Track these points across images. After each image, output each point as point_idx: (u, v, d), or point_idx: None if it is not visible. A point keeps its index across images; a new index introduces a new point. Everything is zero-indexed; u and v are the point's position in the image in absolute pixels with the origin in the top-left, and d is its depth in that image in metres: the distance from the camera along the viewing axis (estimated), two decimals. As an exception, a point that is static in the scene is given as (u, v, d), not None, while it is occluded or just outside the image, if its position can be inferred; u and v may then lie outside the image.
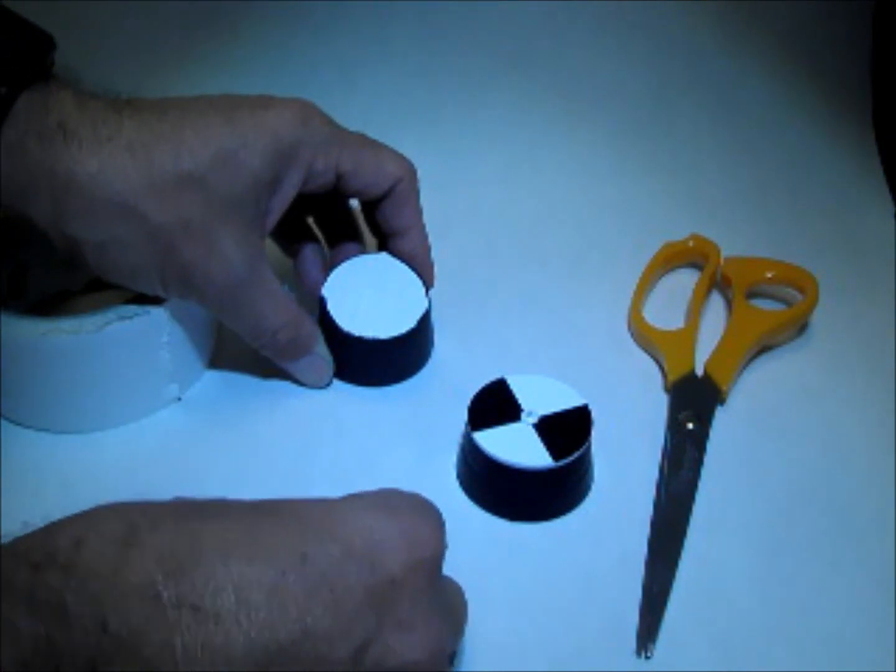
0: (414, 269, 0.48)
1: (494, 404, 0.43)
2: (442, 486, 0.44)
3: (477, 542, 0.42)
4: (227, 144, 0.41)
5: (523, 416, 0.43)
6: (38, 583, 0.27)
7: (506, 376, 0.44)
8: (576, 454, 0.42)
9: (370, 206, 0.49)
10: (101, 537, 0.28)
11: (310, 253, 0.50)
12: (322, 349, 0.47)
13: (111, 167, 0.40)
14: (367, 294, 0.47)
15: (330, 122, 0.45)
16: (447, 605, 0.33)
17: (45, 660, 0.26)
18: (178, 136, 0.41)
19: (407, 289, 0.47)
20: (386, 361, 0.48)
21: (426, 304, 0.47)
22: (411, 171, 0.47)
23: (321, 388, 0.48)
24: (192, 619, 0.26)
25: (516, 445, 0.42)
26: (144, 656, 0.26)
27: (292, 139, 0.43)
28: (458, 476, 0.45)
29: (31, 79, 0.40)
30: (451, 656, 0.35)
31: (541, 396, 0.44)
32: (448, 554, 0.33)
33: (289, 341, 0.46)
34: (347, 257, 0.49)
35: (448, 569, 0.33)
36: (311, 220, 0.51)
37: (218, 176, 0.41)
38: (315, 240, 0.50)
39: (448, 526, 0.33)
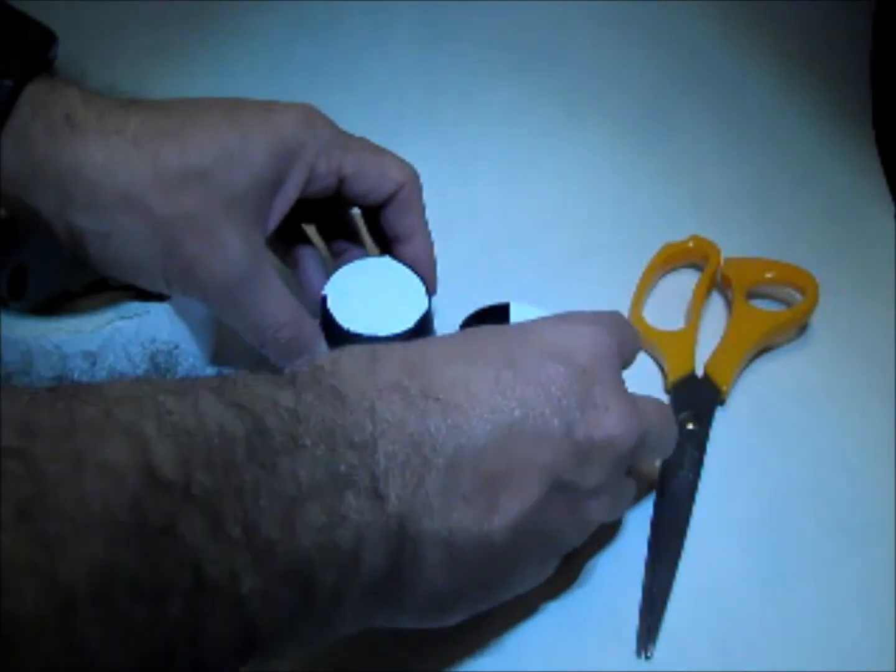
0: (416, 273, 0.48)
1: (489, 321, 0.47)
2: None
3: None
4: (232, 142, 0.42)
5: None
6: (319, 380, 0.32)
7: (511, 302, 0.48)
8: None
9: (373, 214, 0.49)
10: (350, 356, 0.34)
11: (311, 263, 0.50)
12: (324, 350, 0.47)
13: (117, 159, 0.40)
14: (368, 294, 0.47)
15: (333, 126, 0.46)
16: (634, 398, 0.38)
17: (337, 433, 0.31)
18: (184, 133, 0.41)
19: (408, 290, 0.47)
20: None
21: (427, 304, 0.47)
22: (415, 178, 0.47)
23: None
24: (437, 407, 0.33)
25: None
26: (409, 433, 0.32)
27: (295, 140, 0.43)
28: None
29: (36, 71, 0.40)
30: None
31: None
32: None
33: (290, 340, 0.45)
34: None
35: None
36: (313, 229, 0.51)
37: (222, 172, 0.42)
38: (314, 249, 0.50)
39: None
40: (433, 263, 0.49)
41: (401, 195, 0.47)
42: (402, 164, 0.47)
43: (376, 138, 0.48)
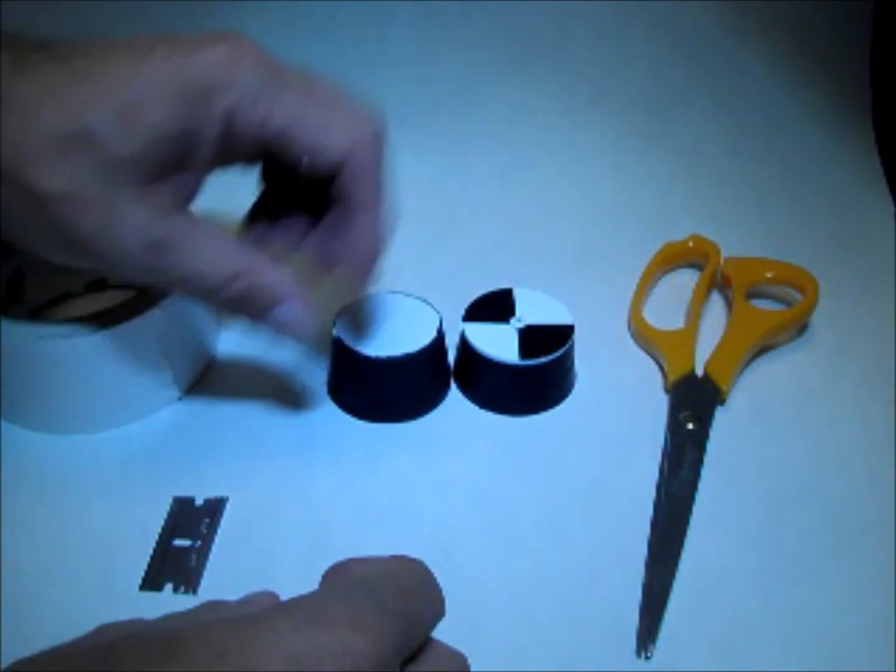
0: (355, 262, 0.42)
1: (493, 305, 0.49)
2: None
3: (472, 534, 0.42)
4: (126, 97, 0.36)
5: (512, 320, 0.48)
6: None
7: (513, 287, 0.49)
8: (541, 360, 0.46)
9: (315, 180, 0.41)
10: None
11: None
12: (297, 293, 0.40)
13: None
14: (377, 324, 0.46)
15: (267, 65, 0.38)
16: None
17: None
18: (74, 89, 0.36)
19: (416, 312, 0.47)
20: (424, 376, 0.47)
21: (439, 321, 0.47)
22: (374, 135, 0.40)
23: (306, 340, 0.42)
24: None
25: (494, 340, 0.46)
26: None
27: (206, 85, 0.37)
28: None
29: None
30: None
31: (536, 309, 0.49)
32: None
33: (243, 294, 0.39)
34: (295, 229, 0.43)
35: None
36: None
37: (111, 133, 0.36)
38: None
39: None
40: (378, 247, 0.41)
41: (351, 162, 0.39)
42: (359, 117, 0.39)
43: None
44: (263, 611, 0.27)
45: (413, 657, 0.29)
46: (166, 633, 0.26)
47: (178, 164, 0.38)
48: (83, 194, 0.36)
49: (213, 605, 0.30)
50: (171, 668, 0.25)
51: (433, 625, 0.30)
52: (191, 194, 0.40)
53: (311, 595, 0.28)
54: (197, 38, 0.38)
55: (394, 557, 0.31)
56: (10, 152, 0.35)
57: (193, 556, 0.41)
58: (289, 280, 0.40)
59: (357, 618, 0.26)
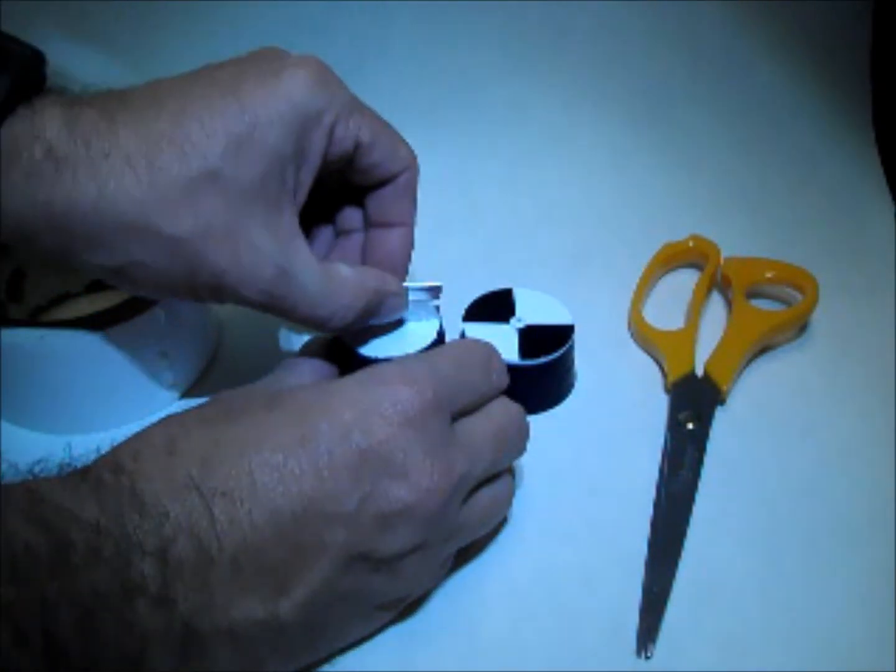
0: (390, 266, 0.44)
1: (493, 305, 0.49)
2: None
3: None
4: (237, 128, 0.37)
5: (512, 320, 0.48)
6: (120, 485, 0.33)
7: (513, 287, 0.50)
8: (541, 360, 0.46)
9: (358, 194, 0.44)
10: (150, 450, 0.34)
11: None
12: (395, 289, 0.43)
13: (112, 187, 0.36)
14: (377, 324, 0.45)
15: (346, 87, 0.41)
16: (458, 443, 0.37)
17: (134, 542, 0.32)
18: (181, 132, 0.37)
19: (413, 308, 0.47)
20: None
21: (439, 321, 0.46)
22: (416, 164, 0.44)
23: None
24: (223, 503, 0.33)
25: (494, 340, 0.44)
26: (196, 534, 0.32)
27: (311, 106, 0.39)
28: None
29: (13, 106, 0.36)
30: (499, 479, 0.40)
31: (536, 309, 0.49)
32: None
33: (360, 315, 0.41)
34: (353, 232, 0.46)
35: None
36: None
37: (233, 165, 0.37)
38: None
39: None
40: (410, 257, 0.45)
41: (402, 178, 0.43)
42: (409, 146, 0.44)
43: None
44: (337, 379, 0.38)
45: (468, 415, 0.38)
46: (267, 392, 0.37)
47: (296, 181, 0.40)
48: (213, 232, 0.38)
49: (291, 364, 0.41)
50: (272, 416, 0.35)
51: (489, 390, 0.39)
52: (299, 218, 0.41)
53: (378, 364, 0.38)
54: (274, 60, 0.40)
55: (458, 340, 0.42)
56: (134, 207, 0.37)
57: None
58: (394, 284, 0.43)
59: (406, 375, 0.36)
